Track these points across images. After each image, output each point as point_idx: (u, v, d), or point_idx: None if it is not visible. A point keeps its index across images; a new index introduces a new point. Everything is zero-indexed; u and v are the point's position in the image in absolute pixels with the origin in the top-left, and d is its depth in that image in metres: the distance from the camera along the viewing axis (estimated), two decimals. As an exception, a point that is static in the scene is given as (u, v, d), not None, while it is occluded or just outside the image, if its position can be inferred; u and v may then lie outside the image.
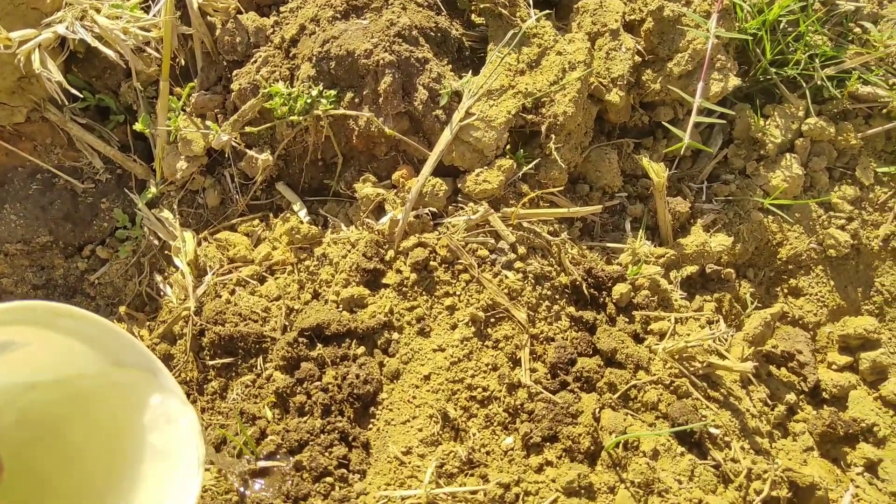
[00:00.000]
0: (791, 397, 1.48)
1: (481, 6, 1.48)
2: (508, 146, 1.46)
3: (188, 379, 1.36)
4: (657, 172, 1.47)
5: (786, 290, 1.60)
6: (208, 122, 1.51)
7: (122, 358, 0.75)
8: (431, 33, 1.43)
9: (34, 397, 0.73)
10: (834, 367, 1.54)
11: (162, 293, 1.52)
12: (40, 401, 0.74)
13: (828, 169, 1.60)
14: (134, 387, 0.77)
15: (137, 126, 1.50)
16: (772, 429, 1.42)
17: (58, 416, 0.74)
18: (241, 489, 1.19)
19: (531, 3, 1.50)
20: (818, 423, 1.44)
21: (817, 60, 1.57)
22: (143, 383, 0.76)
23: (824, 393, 1.52)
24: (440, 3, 1.49)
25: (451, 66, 1.46)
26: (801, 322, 1.58)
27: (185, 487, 0.72)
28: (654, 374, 1.33)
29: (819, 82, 1.55)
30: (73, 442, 0.75)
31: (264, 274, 1.45)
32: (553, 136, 1.42)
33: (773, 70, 1.57)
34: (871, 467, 1.43)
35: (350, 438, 1.24)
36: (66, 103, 1.48)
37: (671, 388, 1.32)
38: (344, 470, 1.20)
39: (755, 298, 1.55)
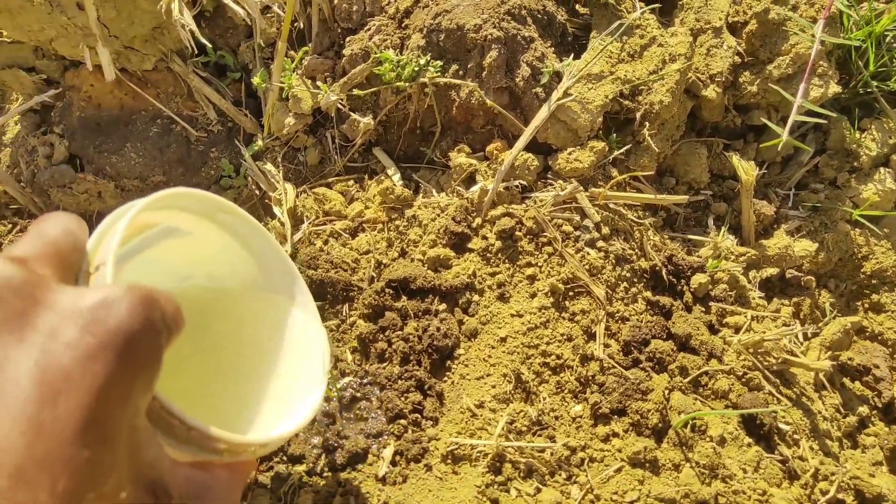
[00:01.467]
0: (864, 410, 1.46)
1: (589, -6, 1.53)
2: (601, 130, 1.50)
3: (277, 317, 1.45)
4: (746, 170, 1.49)
5: (867, 305, 1.58)
6: (318, 84, 1.60)
7: (268, 263, 0.78)
8: (539, 15, 1.49)
9: (187, 287, 0.77)
10: (911, 386, 1.51)
11: (256, 240, 1.62)
12: (192, 290, 0.78)
13: (923, 186, 1.58)
14: (276, 297, 0.80)
15: (255, 80, 1.60)
16: (842, 437, 1.41)
17: (205, 307, 0.79)
18: (323, 420, 1.26)
19: (638, -4, 1.54)
20: (890, 438, 1.42)
21: (922, 76, 1.55)
22: (285, 295, 0.80)
23: (899, 411, 1.49)
24: (549, -11, 1.55)
25: (554, 48, 1.52)
26: (880, 338, 1.55)
27: (314, 384, 0.79)
28: (727, 364, 1.34)
29: (922, 98, 1.54)
30: (215, 334, 0.80)
31: (356, 229, 1.53)
32: (647, 123, 1.46)
33: (875, 83, 1.56)
34: (943, 489, 1.40)
35: (426, 387, 1.29)
36: (195, 53, 1.60)
37: (743, 379, 1.33)
38: (418, 415, 1.26)
39: (834, 308, 1.54)
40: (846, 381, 1.51)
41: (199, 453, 0.50)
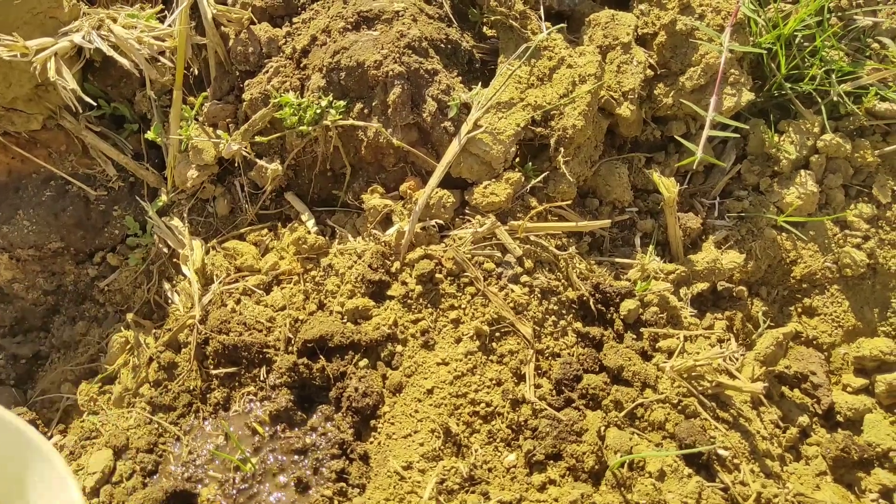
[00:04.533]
0: (804, 419, 1.44)
1: (492, 19, 1.48)
2: (518, 159, 1.45)
3: (191, 388, 1.36)
4: (668, 187, 1.45)
5: (800, 310, 1.57)
6: (220, 132, 1.52)
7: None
8: (442, 45, 1.43)
9: None
10: (849, 389, 1.50)
11: (170, 301, 1.53)
12: None
13: (844, 186, 1.57)
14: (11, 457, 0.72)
15: (149, 135, 1.51)
16: (784, 452, 1.39)
17: None
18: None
19: (542, 16, 1.49)
20: (832, 446, 1.40)
21: (833, 76, 1.54)
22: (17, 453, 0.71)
23: (839, 416, 1.48)
24: (451, 16, 1.49)
25: (460, 77, 1.46)
26: (815, 342, 1.54)
27: None
28: (662, 393, 1.31)
29: (835, 98, 1.53)
30: None
31: (271, 283, 1.45)
32: (562, 149, 1.41)
33: (789, 85, 1.54)
34: (887, 494, 1.39)
35: (349, 451, 1.22)
36: (81, 111, 1.50)
37: (679, 407, 1.30)
38: (343, 484, 1.19)
39: (768, 317, 1.52)
40: (785, 389, 1.49)
41: None
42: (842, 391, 1.51)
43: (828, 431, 1.48)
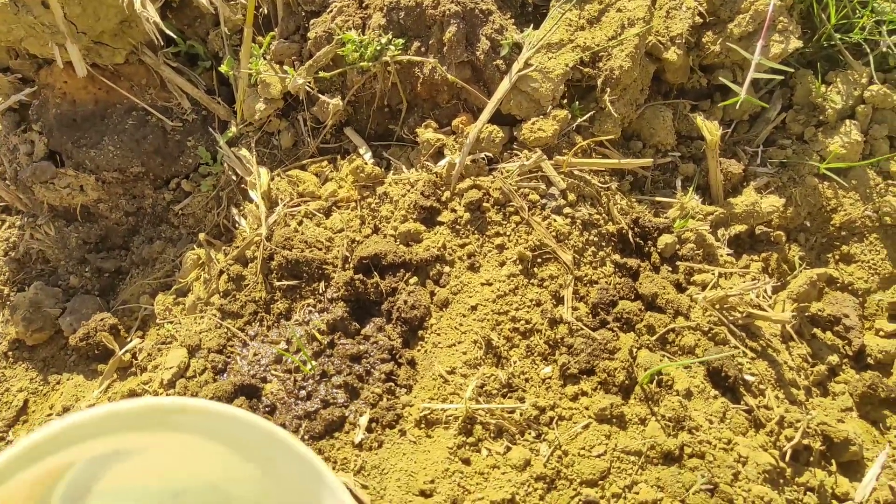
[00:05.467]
0: (834, 358, 1.49)
1: (547, -37, 1.54)
2: (566, 99, 1.52)
3: (257, 298, 1.49)
4: (711, 131, 1.50)
5: (837, 257, 1.60)
6: (286, 68, 1.63)
7: (268, 461, 0.63)
8: (497, -13, 1.51)
9: (186, 502, 0.66)
10: (881, 333, 1.54)
11: (237, 224, 1.66)
12: None
13: (889, 137, 1.59)
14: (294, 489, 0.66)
15: (222, 68, 1.63)
16: (811, 385, 1.44)
17: None
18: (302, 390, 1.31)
19: (596, -39, 1.55)
20: (859, 384, 1.45)
21: (884, 27, 1.55)
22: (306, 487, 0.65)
23: (869, 358, 1.52)
24: (507, -40, 1.55)
25: (513, 20, 1.53)
26: (850, 288, 1.58)
27: None
28: (694, 321, 1.38)
29: (885, 49, 1.54)
30: None
31: (330, 209, 1.57)
32: (608, 89, 1.47)
33: (838, 36, 1.56)
34: (912, 432, 1.43)
35: (398, 356, 1.34)
36: (162, 46, 1.63)
37: (709, 334, 1.37)
38: (392, 384, 1.31)
39: (804, 262, 1.57)
40: (817, 331, 1.54)
41: None
42: (874, 335, 1.55)
43: (857, 372, 1.52)
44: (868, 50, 1.56)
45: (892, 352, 1.50)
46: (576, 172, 1.46)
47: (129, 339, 1.62)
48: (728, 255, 1.52)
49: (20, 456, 0.46)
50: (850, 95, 1.57)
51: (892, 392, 1.45)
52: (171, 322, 1.58)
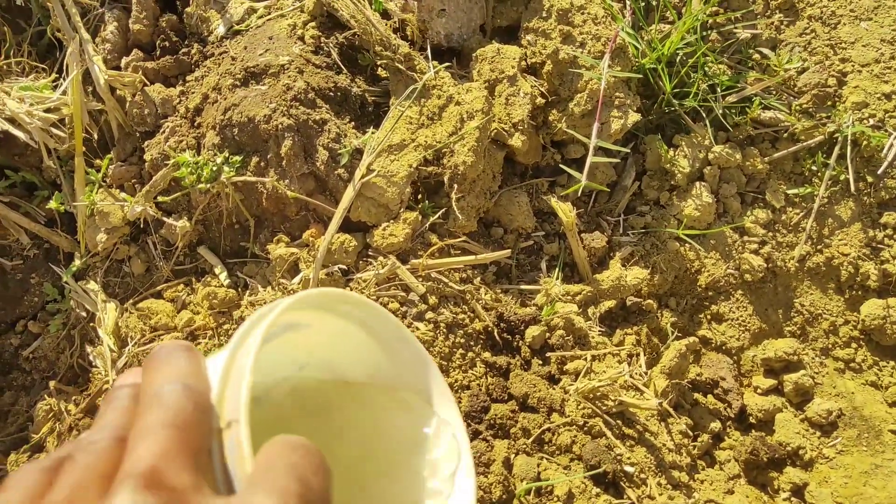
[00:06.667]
0: (716, 425, 1.48)
1: (379, 62, 1.51)
2: (420, 196, 1.49)
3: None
4: (565, 212, 1.49)
5: (709, 317, 1.61)
6: (124, 195, 1.54)
7: (396, 350, 0.69)
8: (330, 93, 1.47)
9: (304, 375, 0.71)
10: (759, 390, 1.55)
11: (93, 364, 1.55)
12: (310, 379, 0.71)
13: (739, 194, 1.62)
14: (406, 391, 0.71)
15: (52, 204, 1.53)
16: (695, 460, 1.43)
17: (325, 401, 0.71)
18: None
19: (430, 55, 1.53)
20: (742, 450, 1.45)
21: (718, 89, 1.59)
22: (417, 388, 0.70)
23: (751, 418, 1.52)
24: (340, 63, 1.52)
25: (353, 123, 1.49)
26: (724, 348, 1.59)
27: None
28: (569, 416, 1.35)
29: (720, 111, 1.58)
30: (336, 430, 0.71)
31: (187, 340, 1.47)
32: (456, 185, 1.45)
33: (676, 102, 1.59)
34: (798, 492, 1.43)
35: None
36: (-15, 186, 1.52)
37: (585, 428, 1.33)
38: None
39: (676, 328, 1.57)
40: (699, 396, 1.53)
41: None
42: (753, 393, 1.56)
43: (742, 434, 1.52)
44: (703, 114, 1.59)
45: (771, 409, 1.51)
46: (433, 274, 1.42)
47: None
48: (600, 333, 1.50)
49: (274, 320, 0.52)
50: (697, 158, 1.60)
51: (774, 452, 1.45)
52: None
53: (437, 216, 1.46)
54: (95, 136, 1.61)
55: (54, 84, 1.56)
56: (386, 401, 0.71)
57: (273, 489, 0.36)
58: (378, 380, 0.71)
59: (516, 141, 1.51)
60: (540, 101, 1.56)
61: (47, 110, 1.48)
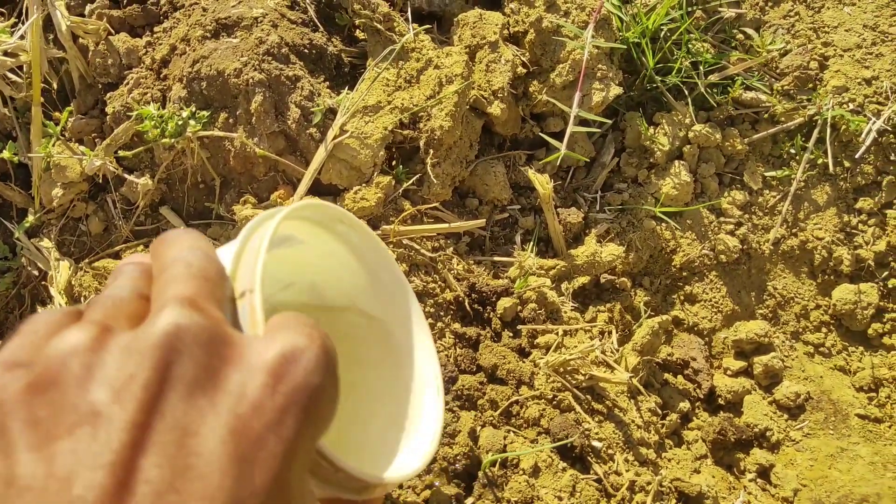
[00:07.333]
0: (685, 405, 1.47)
1: (358, 22, 1.46)
2: (394, 161, 1.44)
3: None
4: (542, 184, 1.46)
5: (682, 297, 1.60)
6: (83, 148, 1.47)
7: (379, 276, 0.68)
8: (305, 50, 1.41)
9: (287, 296, 0.69)
10: (729, 372, 1.54)
11: (43, 325, 1.47)
12: (293, 301, 0.70)
13: (717, 175, 1.61)
14: (383, 316, 0.70)
15: (4, 154, 1.45)
16: (664, 438, 1.41)
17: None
18: None
19: (410, 17, 1.48)
20: (710, 430, 1.44)
21: (701, 67, 1.57)
22: (394, 312, 0.69)
23: (720, 399, 1.51)
24: (316, 20, 1.47)
25: (328, 83, 1.44)
26: (696, 328, 1.57)
27: (428, 412, 0.62)
28: (538, 389, 1.32)
29: (703, 88, 1.56)
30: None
31: (142, 302, 1.41)
32: (431, 150, 1.40)
33: (659, 78, 1.57)
34: (764, 473, 1.43)
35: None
36: (-69, 132, 1.43)
37: (554, 402, 1.31)
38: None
39: (649, 307, 1.55)
40: (669, 376, 1.52)
41: (336, 492, 0.45)
42: (723, 374, 1.55)
43: (710, 415, 1.51)
44: (686, 92, 1.57)
45: (740, 391, 1.50)
46: (405, 241, 1.38)
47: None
48: (573, 309, 1.48)
49: (286, 215, 0.50)
50: (677, 136, 1.58)
51: (742, 433, 1.44)
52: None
53: (411, 182, 1.41)
54: (55, 87, 1.53)
55: (13, 28, 1.48)
56: (365, 331, 0.71)
57: (296, 330, 0.37)
58: (358, 306, 0.71)
59: (495, 109, 1.47)
60: (521, 70, 1.52)
61: (4, 53, 1.40)
